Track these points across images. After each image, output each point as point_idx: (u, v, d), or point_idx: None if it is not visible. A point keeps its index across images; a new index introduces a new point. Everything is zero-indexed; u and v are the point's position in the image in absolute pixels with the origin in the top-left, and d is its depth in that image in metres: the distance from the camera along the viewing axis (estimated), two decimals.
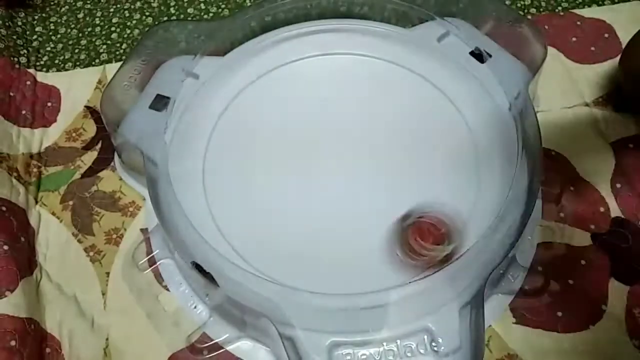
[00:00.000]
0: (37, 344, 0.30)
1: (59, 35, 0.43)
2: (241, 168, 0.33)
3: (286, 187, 0.32)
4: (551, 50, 0.39)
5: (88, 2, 0.45)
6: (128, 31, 0.43)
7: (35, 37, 0.43)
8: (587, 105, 0.37)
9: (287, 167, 0.32)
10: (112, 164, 0.36)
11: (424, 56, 0.36)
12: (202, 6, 0.44)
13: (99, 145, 0.37)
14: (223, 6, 0.44)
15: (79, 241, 0.34)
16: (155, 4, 0.45)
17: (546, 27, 0.40)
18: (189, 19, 0.44)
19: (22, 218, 0.34)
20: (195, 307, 0.31)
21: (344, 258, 0.29)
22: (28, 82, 0.40)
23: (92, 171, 0.36)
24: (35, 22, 0.44)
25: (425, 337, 0.25)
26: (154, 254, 0.32)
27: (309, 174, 0.32)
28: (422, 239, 0.29)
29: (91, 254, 0.33)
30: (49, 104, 0.39)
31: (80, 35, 0.43)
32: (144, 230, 0.34)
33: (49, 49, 0.43)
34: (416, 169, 0.32)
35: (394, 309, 0.25)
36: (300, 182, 0.32)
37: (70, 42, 0.43)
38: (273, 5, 0.36)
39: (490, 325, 0.30)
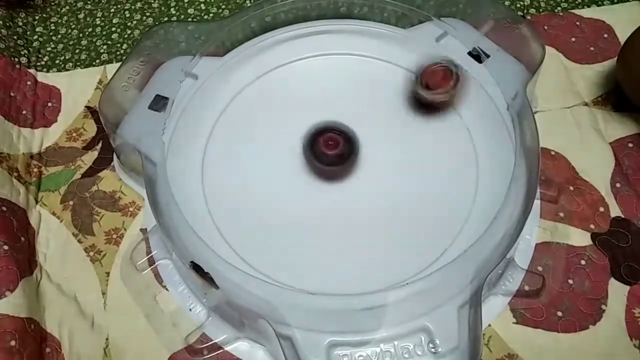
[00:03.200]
0: (37, 344, 0.30)
1: (59, 36, 0.44)
2: (240, 168, 0.33)
3: (285, 188, 0.32)
4: (550, 50, 0.39)
5: (89, 2, 0.45)
6: (129, 31, 0.43)
7: (35, 37, 0.43)
8: (586, 105, 0.37)
9: (285, 168, 0.32)
10: (112, 164, 0.36)
11: (423, 56, 0.36)
12: (203, 7, 0.44)
13: (100, 145, 0.37)
14: (223, 7, 0.44)
15: (79, 241, 0.34)
16: (155, 5, 0.45)
17: (545, 27, 0.40)
18: (190, 19, 0.44)
19: (23, 218, 0.34)
20: (193, 308, 0.31)
21: (342, 258, 0.29)
22: (29, 82, 0.40)
23: (93, 171, 0.36)
24: (35, 22, 0.44)
25: (423, 337, 0.25)
26: (152, 254, 0.32)
27: (308, 174, 0.32)
28: (434, 83, 0.33)
29: (91, 254, 0.33)
30: (50, 104, 0.39)
31: (80, 35, 0.43)
32: (144, 231, 0.34)
33: (49, 49, 0.43)
34: (414, 169, 0.32)
35: (391, 309, 0.26)
36: (299, 182, 0.32)
37: (71, 43, 0.43)
38: (273, 6, 0.36)
39: (489, 325, 0.30)
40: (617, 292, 0.30)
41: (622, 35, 0.39)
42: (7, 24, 0.42)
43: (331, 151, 0.32)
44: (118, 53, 0.42)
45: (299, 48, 0.37)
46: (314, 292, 0.26)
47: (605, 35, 0.40)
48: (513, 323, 0.30)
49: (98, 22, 0.44)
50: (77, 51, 0.42)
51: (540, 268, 0.31)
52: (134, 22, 0.44)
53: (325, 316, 0.26)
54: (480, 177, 0.31)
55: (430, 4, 0.37)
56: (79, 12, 0.45)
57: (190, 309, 0.31)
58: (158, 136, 0.32)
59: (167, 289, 0.32)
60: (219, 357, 0.29)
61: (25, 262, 0.32)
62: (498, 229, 0.28)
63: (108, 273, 0.32)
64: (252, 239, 0.30)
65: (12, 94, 0.38)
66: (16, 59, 0.40)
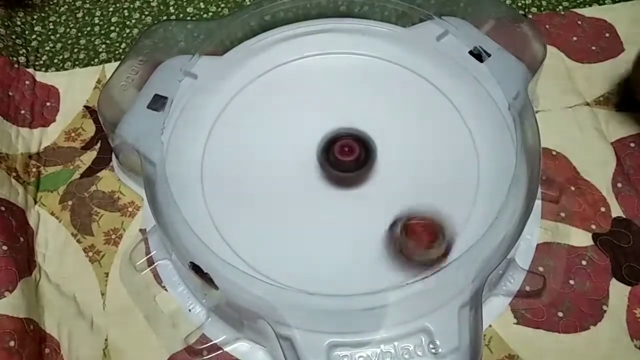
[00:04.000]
0: (36, 345, 0.30)
1: (58, 35, 0.43)
2: (239, 168, 0.32)
3: (284, 188, 0.32)
4: (552, 49, 0.39)
5: (87, 1, 0.45)
6: (127, 30, 0.43)
7: (34, 36, 0.43)
8: (587, 104, 0.37)
9: (285, 168, 0.32)
10: (111, 164, 0.36)
11: (423, 55, 0.35)
12: (202, 5, 0.44)
13: (98, 145, 0.37)
14: (222, 5, 0.44)
15: (78, 241, 0.34)
16: (154, 4, 0.45)
17: (547, 26, 0.40)
18: (188, 18, 0.44)
19: (21, 218, 0.34)
20: (193, 308, 0.31)
21: (342, 259, 0.29)
22: (27, 82, 0.40)
23: (91, 171, 0.36)
24: (34, 21, 0.44)
25: (423, 338, 0.25)
26: (152, 254, 0.32)
27: (306, 174, 0.32)
28: (416, 241, 0.29)
29: (90, 254, 0.33)
30: (48, 104, 0.39)
31: (79, 34, 0.43)
32: (143, 231, 0.34)
33: (48, 48, 0.43)
34: (415, 168, 0.32)
35: (392, 310, 0.25)
36: (299, 182, 0.32)
37: (70, 42, 0.43)
38: (272, 5, 0.36)
39: (490, 326, 0.30)
40: (618, 292, 0.30)
41: (624, 34, 0.39)
42: (6, 23, 0.42)
43: (346, 158, 0.32)
44: (117, 52, 0.42)
45: (298, 47, 0.37)
46: (313, 292, 0.26)
47: (607, 35, 0.40)
48: (514, 323, 0.30)
49: (97, 21, 0.44)
50: (75, 50, 0.42)
51: (541, 268, 0.31)
52: (133, 21, 0.44)
53: (326, 317, 0.26)
54: (481, 177, 0.31)
55: (431, 2, 0.37)
56: (77, 11, 0.45)
57: (189, 310, 0.31)
58: (157, 136, 0.32)
59: (166, 290, 0.32)
60: (219, 357, 0.29)
61: (24, 262, 0.32)
62: (499, 229, 0.28)
63: (107, 273, 0.32)
64: (252, 239, 0.30)
65: (10, 94, 0.38)
66: (14, 59, 0.40)
